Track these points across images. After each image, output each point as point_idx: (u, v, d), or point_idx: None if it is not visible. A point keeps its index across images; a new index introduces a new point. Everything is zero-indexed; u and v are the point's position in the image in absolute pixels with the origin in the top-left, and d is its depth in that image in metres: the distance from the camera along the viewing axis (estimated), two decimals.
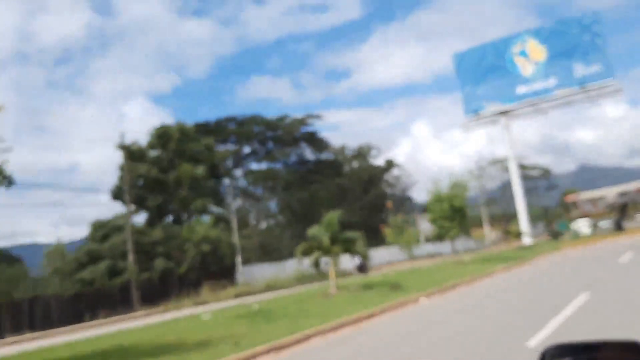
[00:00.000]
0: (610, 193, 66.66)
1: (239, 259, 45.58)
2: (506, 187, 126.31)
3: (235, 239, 47.12)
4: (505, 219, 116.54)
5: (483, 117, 58.85)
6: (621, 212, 66.55)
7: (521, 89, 56.60)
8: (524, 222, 57.83)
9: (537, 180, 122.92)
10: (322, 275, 33.81)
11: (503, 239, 78.21)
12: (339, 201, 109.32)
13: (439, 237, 48.87)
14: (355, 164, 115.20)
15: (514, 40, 58.12)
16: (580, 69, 53.97)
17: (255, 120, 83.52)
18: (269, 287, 37.55)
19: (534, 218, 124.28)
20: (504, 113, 57.67)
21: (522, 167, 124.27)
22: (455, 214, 35.03)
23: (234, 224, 48.82)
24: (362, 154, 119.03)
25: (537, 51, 56.37)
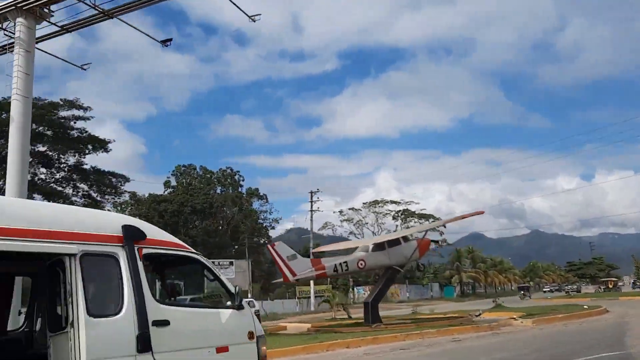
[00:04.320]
0: (364, 244, 28.05)
1: None
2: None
3: None
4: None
5: None
6: (384, 283, 28.14)
7: None
8: None
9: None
10: None
11: None
12: None
13: None
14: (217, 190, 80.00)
15: None
16: None
17: None
18: None
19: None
20: None
21: (408, 212, 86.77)
22: None
23: None
24: (225, 178, 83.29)
25: None
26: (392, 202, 78.46)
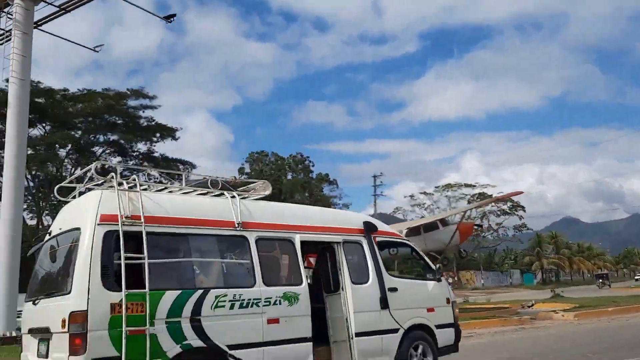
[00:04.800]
0: (398, 229, 25.72)
1: None
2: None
3: None
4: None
5: None
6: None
7: None
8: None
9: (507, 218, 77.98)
10: None
11: None
12: None
13: None
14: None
15: None
16: None
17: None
18: None
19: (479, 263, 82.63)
20: None
21: (484, 196, 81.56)
22: None
23: None
24: (295, 164, 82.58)
25: None
26: (467, 185, 74.18)
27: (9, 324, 16.02)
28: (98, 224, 5.66)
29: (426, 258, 8.85)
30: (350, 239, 7.67)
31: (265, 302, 6.35)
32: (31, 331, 6.33)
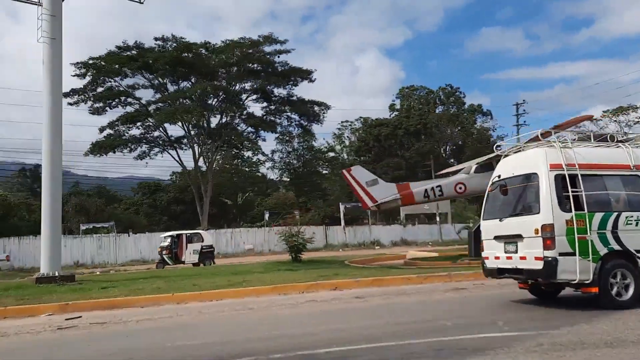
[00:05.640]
0: (469, 164, 21.65)
1: None
2: None
3: None
4: None
5: None
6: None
7: None
8: None
9: None
10: None
11: None
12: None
13: None
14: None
15: None
16: None
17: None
18: None
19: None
20: None
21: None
22: None
23: None
24: (446, 96, 77.75)
25: None
26: None
27: (52, 265, 17.19)
28: (549, 170, 8.36)
29: None
30: None
31: None
32: (497, 237, 9.16)
